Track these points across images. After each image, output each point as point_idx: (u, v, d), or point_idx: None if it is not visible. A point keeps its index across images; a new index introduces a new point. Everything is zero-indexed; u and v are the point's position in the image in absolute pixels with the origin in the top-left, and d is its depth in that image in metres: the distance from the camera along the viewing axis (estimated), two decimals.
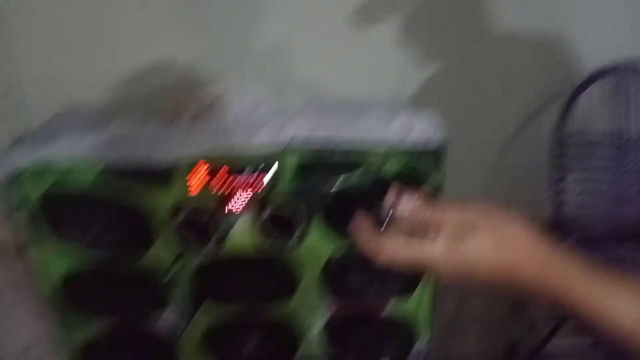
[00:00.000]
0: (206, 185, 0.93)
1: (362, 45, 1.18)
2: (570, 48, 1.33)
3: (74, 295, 1.00)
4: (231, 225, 0.98)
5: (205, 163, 0.92)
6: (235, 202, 0.96)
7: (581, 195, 1.40)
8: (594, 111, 1.37)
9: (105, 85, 1.16)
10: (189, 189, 0.93)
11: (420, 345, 1.16)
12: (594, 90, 1.33)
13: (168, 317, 1.05)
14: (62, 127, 0.97)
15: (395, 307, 1.11)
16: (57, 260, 0.97)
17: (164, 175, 0.92)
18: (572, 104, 1.33)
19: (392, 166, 0.96)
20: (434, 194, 0.99)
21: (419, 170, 0.96)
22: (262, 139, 0.94)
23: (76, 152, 0.90)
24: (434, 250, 0.51)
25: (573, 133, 1.37)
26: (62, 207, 0.93)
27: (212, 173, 0.93)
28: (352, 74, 1.21)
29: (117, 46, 1.14)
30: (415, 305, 1.12)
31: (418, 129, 0.96)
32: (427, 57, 1.24)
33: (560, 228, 1.39)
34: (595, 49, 1.31)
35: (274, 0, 1.13)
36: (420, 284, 1.09)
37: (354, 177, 0.97)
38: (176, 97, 1.05)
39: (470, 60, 1.28)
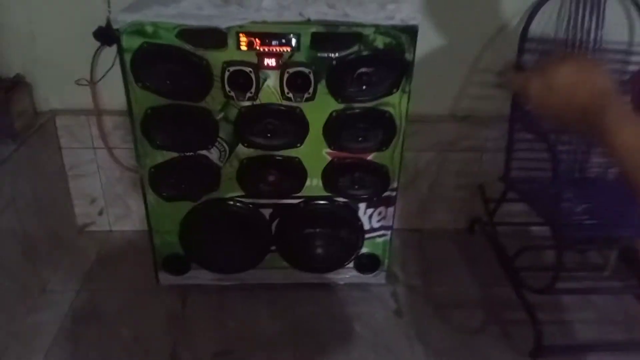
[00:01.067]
0: (248, 48, 1.34)
1: None
2: None
3: (151, 127, 1.44)
4: (264, 80, 1.39)
5: (248, 32, 1.33)
6: (267, 62, 1.37)
7: None
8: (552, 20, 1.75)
9: None
10: (237, 49, 1.34)
11: (392, 186, 1.59)
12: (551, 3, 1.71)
13: (216, 150, 1.49)
14: (149, 2, 1.37)
15: (375, 157, 1.54)
16: (142, 100, 1.40)
17: (220, 39, 1.33)
18: (536, 12, 1.71)
19: (380, 42, 1.36)
20: (409, 65, 1.39)
21: (398, 44, 1.36)
22: (289, 17, 1.34)
23: (159, 18, 1.31)
24: (537, 80, 0.67)
25: (533, 38, 1.74)
26: (149, 59, 1.35)
27: (252, 39, 1.34)
28: None
29: None
30: (389, 157, 1.54)
31: (400, 16, 1.35)
32: None
33: (514, 110, 1.78)
34: None
35: None
36: (392, 141, 1.51)
37: (351, 50, 1.37)
38: None
39: None
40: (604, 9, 1.75)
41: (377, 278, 1.77)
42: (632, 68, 1.82)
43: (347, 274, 1.75)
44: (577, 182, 1.84)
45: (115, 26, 1.30)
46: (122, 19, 1.30)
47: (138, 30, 1.31)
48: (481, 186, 2.00)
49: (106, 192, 1.98)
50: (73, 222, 2.00)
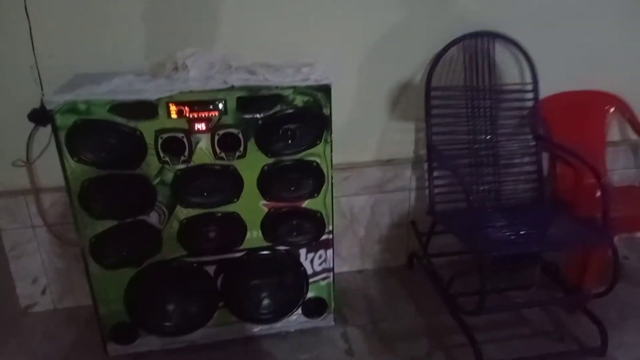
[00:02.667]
0: (178, 116, 1.45)
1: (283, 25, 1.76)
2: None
3: (89, 198, 1.50)
4: (196, 143, 1.50)
5: (177, 102, 1.45)
6: (198, 127, 1.48)
7: (442, 132, 2.00)
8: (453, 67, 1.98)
9: (104, 56, 1.69)
10: (168, 118, 1.45)
11: (328, 229, 1.70)
12: (452, 52, 1.95)
13: (155, 213, 1.55)
14: (82, 81, 1.47)
15: (309, 204, 1.66)
16: (78, 173, 1.46)
17: (151, 110, 1.44)
18: (436, 64, 1.94)
19: (299, 100, 1.51)
20: (327, 119, 1.54)
21: (316, 101, 1.52)
22: (214, 86, 1.47)
23: (91, 96, 1.40)
24: None
25: (437, 86, 1.97)
26: (83, 134, 1.43)
27: (182, 108, 1.45)
28: (276, 45, 1.77)
29: (109, 30, 1.68)
30: (322, 202, 1.66)
31: (314, 77, 1.52)
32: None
33: (430, 151, 1.97)
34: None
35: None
36: (323, 188, 1.64)
37: (275, 110, 1.51)
38: (157, 59, 1.59)
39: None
40: (494, 56, 2.01)
41: (325, 321, 1.83)
42: (529, 104, 2.08)
43: (297, 321, 1.81)
44: (495, 209, 2.02)
45: (49, 107, 1.38)
46: (56, 100, 1.38)
47: (71, 108, 1.39)
48: (413, 222, 2.15)
49: (48, 270, 1.96)
50: (16, 304, 1.95)
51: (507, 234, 1.77)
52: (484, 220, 1.84)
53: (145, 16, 1.73)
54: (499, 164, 2.06)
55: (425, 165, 2.02)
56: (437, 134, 1.98)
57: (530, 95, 2.06)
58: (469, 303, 1.77)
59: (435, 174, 1.98)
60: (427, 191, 2.02)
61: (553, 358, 1.76)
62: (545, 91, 2.06)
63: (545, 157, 2.10)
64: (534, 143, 2.07)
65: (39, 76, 1.72)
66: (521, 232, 1.75)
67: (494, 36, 1.99)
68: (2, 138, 1.79)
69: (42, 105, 1.70)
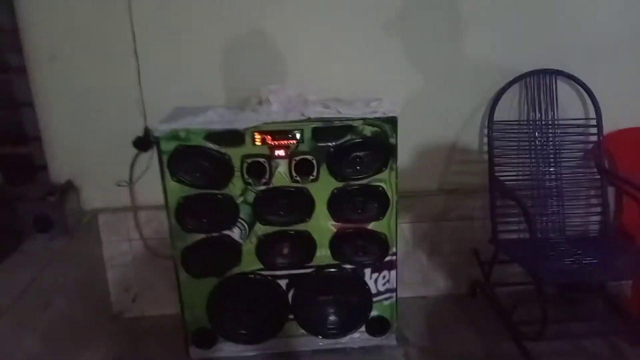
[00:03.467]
0: (262, 142, 1.66)
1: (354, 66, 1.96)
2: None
3: (183, 213, 1.72)
4: (275, 168, 1.69)
5: (260, 131, 1.65)
6: (278, 153, 1.68)
7: (505, 163, 2.08)
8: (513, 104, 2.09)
9: (199, 93, 1.96)
10: (252, 145, 1.66)
11: (392, 251, 1.82)
12: (511, 91, 2.06)
13: (237, 229, 1.75)
14: (182, 113, 1.72)
15: (374, 226, 1.79)
16: (176, 191, 1.70)
17: (239, 138, 1.65)
18: (498, 99, 2.05)
19: (367, 131, 1.68)
20: (393, 148, 1.69)
21: (383, 132, 1.67)
22: (293, 118, 1.67)
23: (190, 125, 1.65)
24: None
25: (499, 121, 2.07)
26: (182, 158, 1.66)
27: (265, 135, 1.66)
28: (346, 82, 1.96)
29: (203, 70, 1.95)
30: (386, 225, 1.79)
31: (382, 110, 1.68)
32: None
33: (492, 181, 2.05)
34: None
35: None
36: (387, 211, 1.77)
37: (345, 139, 1.68)
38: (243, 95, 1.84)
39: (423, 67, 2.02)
40: (556, 92, 2.09)
41: (388, 340, 1.92)
42: (592, 138, 2.12)
43: (360, 338, 1.91)
44: (558, 240, 2.05)
45: (155, 134, 1.63)
46: (161, 128, 1.64)
47: (173, 136, 1.64)
48: (475, 251, 2.21)
49: (139, 280, 2.21)
50: (109, 309, 2.21)
51: (570, 263, 1.80)
52: (547, 249, 1.88)
53: (232, 59, 1.99)
54: (563, 196, 2.10)
55: (488, 196, 2.09)
56: (500, 166, 2.07)
57: (593, 130, 2.11)
58: (530, 331, 1.81)
59: (498, 203, 2.05)
60: (489, 221, 2.09)
61: None
62: (608, 126, 2.10)
63: (611, 190, 2.12)
64: (598, 177, 2.10)
65: (144, 109, 2.02)
66: (584, 262, 1.78)
67: (556, 73, 2.07)
68: (109, 162, 2.08)
69: (145, 134, 2.00)
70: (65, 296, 1.81)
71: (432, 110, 2.10)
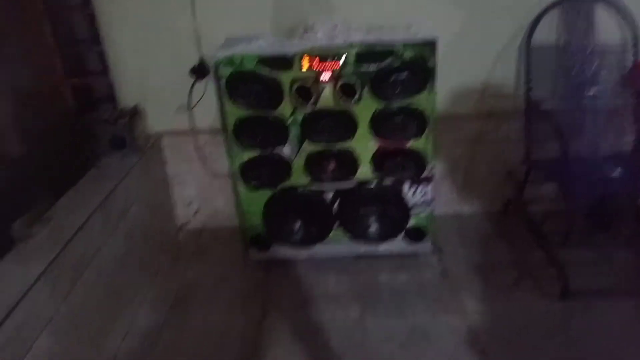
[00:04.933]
0: (309, 67, 1.81)
1: None
2: None
3: (240, 132, 1.93)
4: (321, 90, 1.85)
5: (308, 55, 1.80)
6: (323, 77, 1.83)
7: (541, 87, 2.15)
8: (551, 29, 2.13)
9: (248, 24, 2.10)
10: (300, 69, 1.81)
11: (429, 167, 1.98)
12: (549, 16, 2.09)
13: (288, 147, 1.95)
14: (234, 42, 1.88)
15: (412, 144, 1.95)
16: (233, 112, 1.89)
17: (288, 62, 1.81)
18: (536, 23, 2.09)
19: (408, 54, 1.79)
20: (432, 70, 1.80)
21: (422, 55, 1.79)
22: (337, 42, 1.80)
23: (244, 52, 1.81)
24: None
25: (537, 45, 2.12)
26: (237, 82, 1.84)
27: (312, 60, 1.80)
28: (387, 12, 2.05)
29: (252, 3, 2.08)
30: (424, 144, 1.94)
31: (422, 33, 1.78)
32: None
33: (528, 103, 2.14)
34: None
35: None
36: (425, 131, 1.91)
37: (386, 62, 1.81)
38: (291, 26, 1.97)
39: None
40: (594, 16, 2.10)
41: (423, 247, 2.13)
42: (630, 62, 2.14)
43: (398, 245, 2.12)
44: (592, 159, 2.14)
45: (214, 60, 1.81)
46: (219, 54, 1.81)
47: (229, 61, 1.81)
48: (509, 172, 2.33)
49: (199, 196, 2.48)
50: (174, 222, 2.51)
51: (599, 178, 1.91)
52: (578, 166, 1.99)
53: None
54: (600, 116, 2.16)
55: (523, 118, 2.19)
56: (537, 88, 2.14)
57: (630, 55, 2.13)
58: (559, 239, 1.96)
59: (533, 124, 2.14)
60: (523, 143, 2.19)
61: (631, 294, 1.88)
62: None
63: None
64: (633, 99, 2.14)
65: (199, 39, 2.18)
66: (614, 175, 1.88)
67: None
68: (169, 90, 2.29)
69: (201, 62, 2.18)
70: (139, 206, 2.10)
71: (471, 34, 2.17)
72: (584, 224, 2.06)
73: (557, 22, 2.12)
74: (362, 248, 2.13)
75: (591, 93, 2.16)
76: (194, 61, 2.20)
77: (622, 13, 2.09)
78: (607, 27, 2.13)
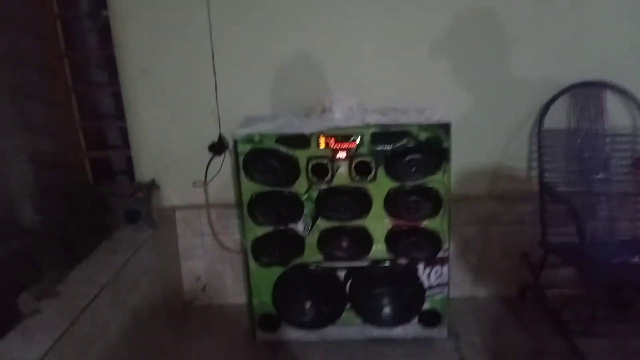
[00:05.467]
0: (325, 146, 1.85)
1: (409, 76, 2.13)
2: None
3: (254, 208, 1.93)
4: (337, 168, 1.88)
5: (324, 135, 1.85)
6: (339, 156, 1.87)
7: (555, 169, 2.17)
8: (561, 114, 2.19)
9: (267, 103, 2.19)
10: (317, 148, 1.85)
11: (444, 248, 1.95)
12: (559, 102, 2.16)
13: (301, 223, 1.94)
14: (253, 121, 1.94)
15: (427, 223, 1.94)
16: (249, 188, 1.92)
17: (305, 141, 1.85)
18: (547, 109, 2.15)
19: (423, 136, 1.84)
20: (447, 151, 1.84)
21: (437, 137, 1.83)
22: (353, 123, 1.86)
23: (263, 130, 1.86)
24: None
25: (548, 129, 2.17)
26: (255, 158, 1.88)
27: (329, 139, 1.85)
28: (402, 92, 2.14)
29: (272, 83, 2.18)
30: (439, 223, 1.93)
31: (436, 117, 1.84)
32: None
33: (542, 186, 2.14)
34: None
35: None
36: (440, 210, 1.91)
37: (401, 143, 1.85)
38: (308, 105, 2.04)
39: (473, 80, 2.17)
40: (604, 103, 2.17)
41: (439, 332, 2.05)
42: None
43: (412, 329, 2.04)
44: (608, 243, 2.11)
45: (234, 138, 1.86)
46: (239, 132, 1.86)
47: (249, 139, 1.86)
48: (525, 254, 2.29)
49: (208, 272, 2.44)
50: (182, 297, 2.45)
51: (619, 264, 1.87)
52: (596, 251, 1.96)
53: (298, 73, 2.21)
54: (613, 200, 2.16)
55: (535, 201, 2.18)
56: (550, 171, 2.16)
57: None
58: (579, 328, 1.88)
59: (548, 208, 2.14)
60: (537, 226, 2.17)
61: None
62: None
63: None
64: None
65: (219, 118, 2.26)
66: (632, 262, 1.85)
67: (603, 85, 2.16)
68: (186, 164, 2.33)
69: (219, 140, 2.24)
70: (149, 280, 2.06)
71: (482, 122, 2.22)
72: (603, 311, 1.98)
73: (568, 107, 2.19)
74: (375, 331, 2.05)
75: (603, 177, 2.17)
76: (212, 137, 2.27)
77: (631, 98, 2.16)
78: (618, 113, 2.19)
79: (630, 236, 2.14)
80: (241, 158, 1.88)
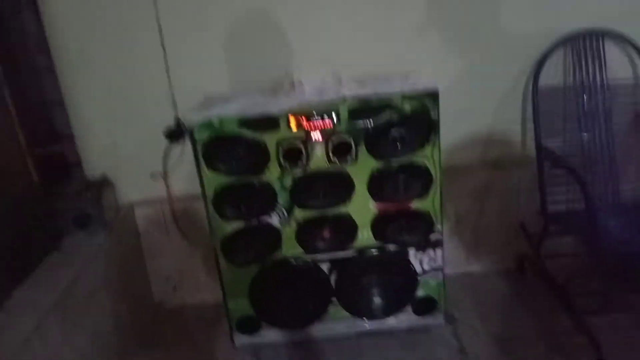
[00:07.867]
0: (297, 126, 1.60)
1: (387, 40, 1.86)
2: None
3: (220, 202, 1.69)
4: (312, 151, 1.63)
5: (295, 114, 1.59)
6: (314, 137, 1.62)
7: (553, 131, 1.97)
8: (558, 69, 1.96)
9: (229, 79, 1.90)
10: (287, 129, 1.60)
11: (437, 229, 1.75)
12: (555, 55, 1.93)
13: (277, 213, 1.71)
14: (213, 101, 1.67)
15: (417, 204, 1.72)
16: (212, 180, 1.66)
17: (273, 122, 1.59)
18: (542, 64, 1.92)
19: (407, 107, 1.60)
20: (435, 122, 1.61)
21: (424, 107, 1.59)
22: (327, 98, 1.60)
23: (223, 114, 1.59)
24: None
25: (545, 87, 1.95)
26: (217, 147, 1.62)
27: (300, 119, 1.60)
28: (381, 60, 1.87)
29: (232, 56, 1.88)
30: (430, 203, 1.72)
31: (421, 83, 1.59)
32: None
33: (540, 151, 1.94)
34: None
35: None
36: (431, 188, 1.69)
37: (384, 117, 1.60)
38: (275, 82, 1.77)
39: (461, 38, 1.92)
40: (604, 53, 1.95)
41: (435, 319, 1.87)
42: None
43: (407, 319, 1.87)
44: (614, 208, 1.94)
45: (188, 124, 1.59)
46: (194, 117, 1.59)
47: (207, 124, 1.59)
48: (522, 224, 2.12)
49: (178, 270, 2.20)
50: (151, 299, 2.22)
51: (630, 231, 1.70)
52: (603, 218, 1.78)
53: (261, 43, 1.93)
54: (616, 161, 1.98)
55: (534, 167, 1.99)
56: (547, 134, 1.95)
57: None
58: (588, 304, 1.73)
59: (547, 173, 1.94)
60: (534, 193, 1.99)
61: None
62: None
63: None
64: None
65: (174, 99, 1.98)
66: None
67: (603, 34, 1.93)
68: (142, 155, 2.06)
69: (177, 124, 1.97)
70: (108, 291, 1.82)
71: (472, 80, 1.99)
72: (614, 283, 1.83)
73: (564, 61, 1.97)
74: (367, 324, 1.86)
75: (603, 133, 1.98)
76: (168, 123, 1.99)
77: (634, 46, 1.94)
78: (619, 64, 1.97)
79: (634, 199, 1.98)
80: (199, 147, 1.62)
